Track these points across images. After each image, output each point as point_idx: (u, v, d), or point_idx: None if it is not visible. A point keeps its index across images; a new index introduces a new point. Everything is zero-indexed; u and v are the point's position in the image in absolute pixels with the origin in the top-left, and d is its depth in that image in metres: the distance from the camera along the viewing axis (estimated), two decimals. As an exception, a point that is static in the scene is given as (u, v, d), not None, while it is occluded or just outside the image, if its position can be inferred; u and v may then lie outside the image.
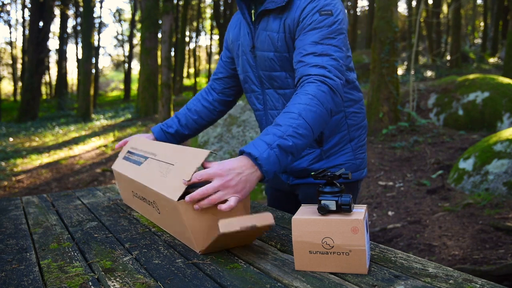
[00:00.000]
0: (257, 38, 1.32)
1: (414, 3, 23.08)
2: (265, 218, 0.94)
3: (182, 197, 0.98)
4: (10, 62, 30.47)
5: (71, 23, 27.88)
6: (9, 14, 32.76)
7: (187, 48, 28.76)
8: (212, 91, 1.58)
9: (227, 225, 0.90)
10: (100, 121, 14.58)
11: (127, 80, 25.61)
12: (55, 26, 33.88)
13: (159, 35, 12.96)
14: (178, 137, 1.56)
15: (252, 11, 1.32)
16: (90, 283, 0.85)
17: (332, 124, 1.33)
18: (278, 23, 1.26)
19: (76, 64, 26.47)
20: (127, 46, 30.03)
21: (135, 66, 42.64)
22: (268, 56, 1.30)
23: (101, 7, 32.78)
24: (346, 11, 1.29)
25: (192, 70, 34.44)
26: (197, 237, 1.00)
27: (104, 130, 12.40)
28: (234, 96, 1.59)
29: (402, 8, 31.89)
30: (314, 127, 1.08)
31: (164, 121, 1.58)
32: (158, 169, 1.16)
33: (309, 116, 1.07)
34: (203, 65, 39.03)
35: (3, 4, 26.29)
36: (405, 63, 16.55)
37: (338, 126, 1.35)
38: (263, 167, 0.99)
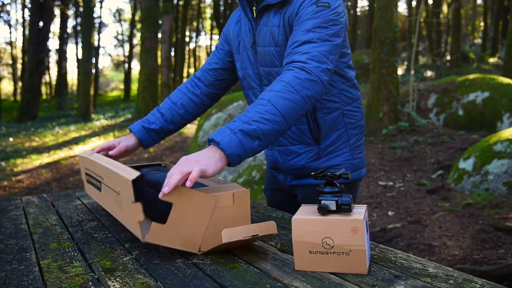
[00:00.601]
0: (258, 34, 1.32)
1: (414, 3, 23.09)
2: (268, 227, 0.96)
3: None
4: (10, 62, 30.45)
5: (71, 23, 27.87)
6: (9, 14, 32.74)
7: (187, 48, 28.74)
8: (199, 83, 1.50)
9: (230, 235, 0.91)
10: (100, 121, 14.58)
11: (127, 80, 25.60)
12: (55, 26, 33.83)
13: (159, 35, 12.95)
14: (163, 134, 1.47)
15: (254, 8, 1.33)
16: (90, 283, 0.85)
17: (329, 121, 1.34)
18: (278, 18, 1.27)
19: (76, 64, 26.46)
20: (127, 46, 30.03)
21: (135, 66, 42.59)
22: (269, 51, 1.30)
23: (101, 7, 32.79)
24: (346, 10, 1.29)
25: (192, 70, 34.42)
26: (186, 247, 0.99)
27: (104, 130, 12.39)
28: (224, 90, 1.54)
29: (402, 8, 31.89)
30: (286, 113, 1.08)
31: (144, 117, 1.46)
32: (113, 198, 1.11)
33: (279, 103, 1.07)
34: (203, 65, 38.95)
35: (3, 4, 26.28)
36: (405, 63, 16.55)
37: (336, 123, 1.35)
38: (225, 151, 1.01)
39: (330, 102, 1.32)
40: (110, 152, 1.38)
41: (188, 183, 0.94)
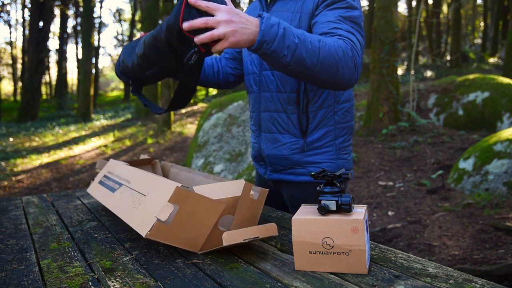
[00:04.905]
0: None
1: (414, 3, 23.08)
2: (269, 230, 0.96)
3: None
4: (10, 62, 30.47)
5: (71, 23, 27.89)
6: (9, 14, 32.74)
7: (187, 48, 28.70)
8: (221, 60, 1.61)
9: (231, 238, 0.91)
10: (100, 121, 14.59)
11: (127, 80, 25.55)
12: (55, 26, 33.81)
13: (159, 35, 12.93)
14: None
15: None
16: (90, 283, 0.85)
17: (319, 116, 1.35)
18: (294, 3, 1.30)
19: (76, 64, 26.47)
20: (127, 46, 29.95)
21: (135, 66, 42.48)
22: None
23: (101, 7, 32.77)
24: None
25: (192, 70, 34.33)
26: (187, 247, 0.99)
27: (104, 130, 12.40)
28: (235, 78, 1.61)
29: (402, 8, 31.89)
30: (322, 56, 1.08)
31: None
32: (130, 199, 1.14)
33: (326, 50, 1.08)
34: (203, 65, 38.92)
35: (3, 4, 26.28)
36: (405, 63, 16.56)
37: (325, 120, 1.36)
38: (261, 26, 1.02)
39: (323, 97, 1.34)
40: None
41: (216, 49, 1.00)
